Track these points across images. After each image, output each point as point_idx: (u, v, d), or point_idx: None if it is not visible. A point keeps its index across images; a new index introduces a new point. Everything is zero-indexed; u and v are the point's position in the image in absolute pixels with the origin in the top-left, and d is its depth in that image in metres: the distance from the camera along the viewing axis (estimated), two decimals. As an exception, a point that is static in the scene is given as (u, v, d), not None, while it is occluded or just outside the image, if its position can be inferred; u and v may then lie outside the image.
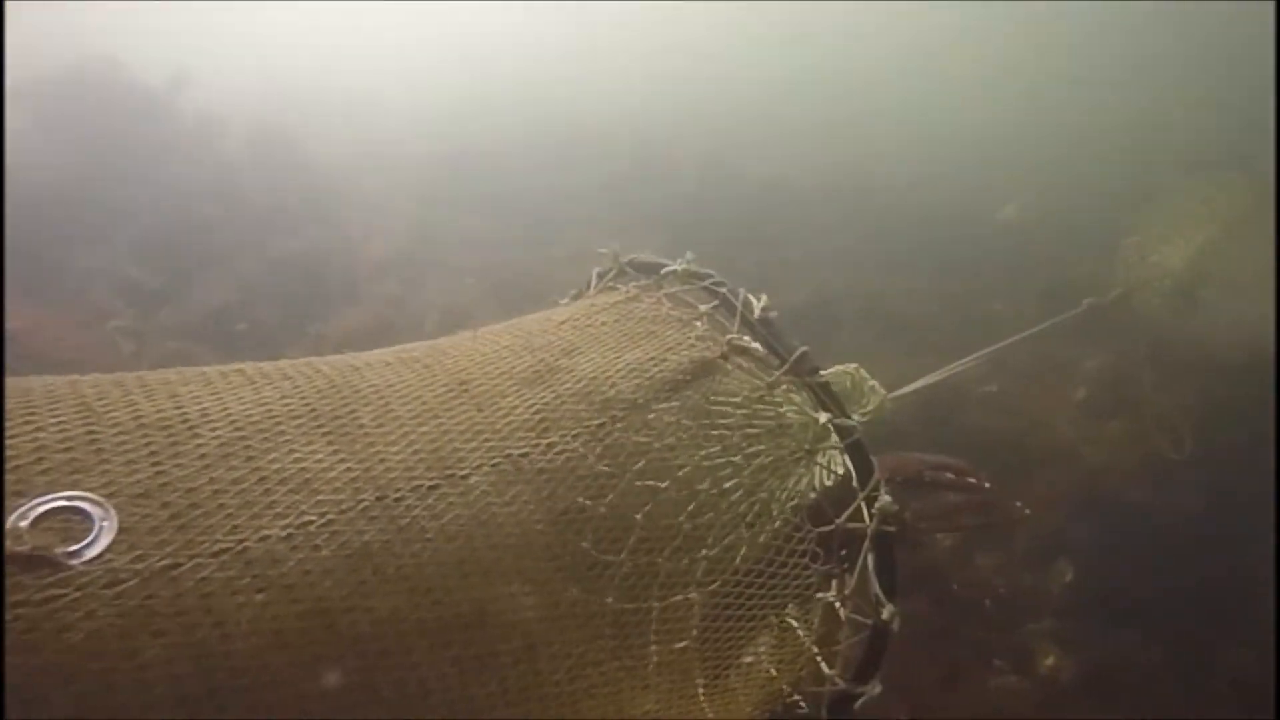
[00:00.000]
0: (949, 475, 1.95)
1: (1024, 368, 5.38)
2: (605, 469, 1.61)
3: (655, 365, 1.82)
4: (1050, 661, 3.68)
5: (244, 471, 1.30)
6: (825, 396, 1.85)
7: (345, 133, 8.89)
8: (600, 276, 2.42)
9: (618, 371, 1.77)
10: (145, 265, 5.42)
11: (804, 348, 1.89)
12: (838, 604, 1.83)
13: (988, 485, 1.94)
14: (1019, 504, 2.06)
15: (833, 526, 1.78)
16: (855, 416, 2.79)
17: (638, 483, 1.63)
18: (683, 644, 1.69)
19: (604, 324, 1.98)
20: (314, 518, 1.28)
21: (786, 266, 7.12)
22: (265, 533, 1.22)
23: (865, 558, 1.81)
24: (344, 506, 1.32)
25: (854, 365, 2.86)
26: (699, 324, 1.98)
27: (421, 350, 1.83)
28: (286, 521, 1.26)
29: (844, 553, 1.85)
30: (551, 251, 6.34)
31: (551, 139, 9.73)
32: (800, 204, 8.12)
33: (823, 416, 1.81)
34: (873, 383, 2.85)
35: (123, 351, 4.09)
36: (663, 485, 1.65)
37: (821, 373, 2.83)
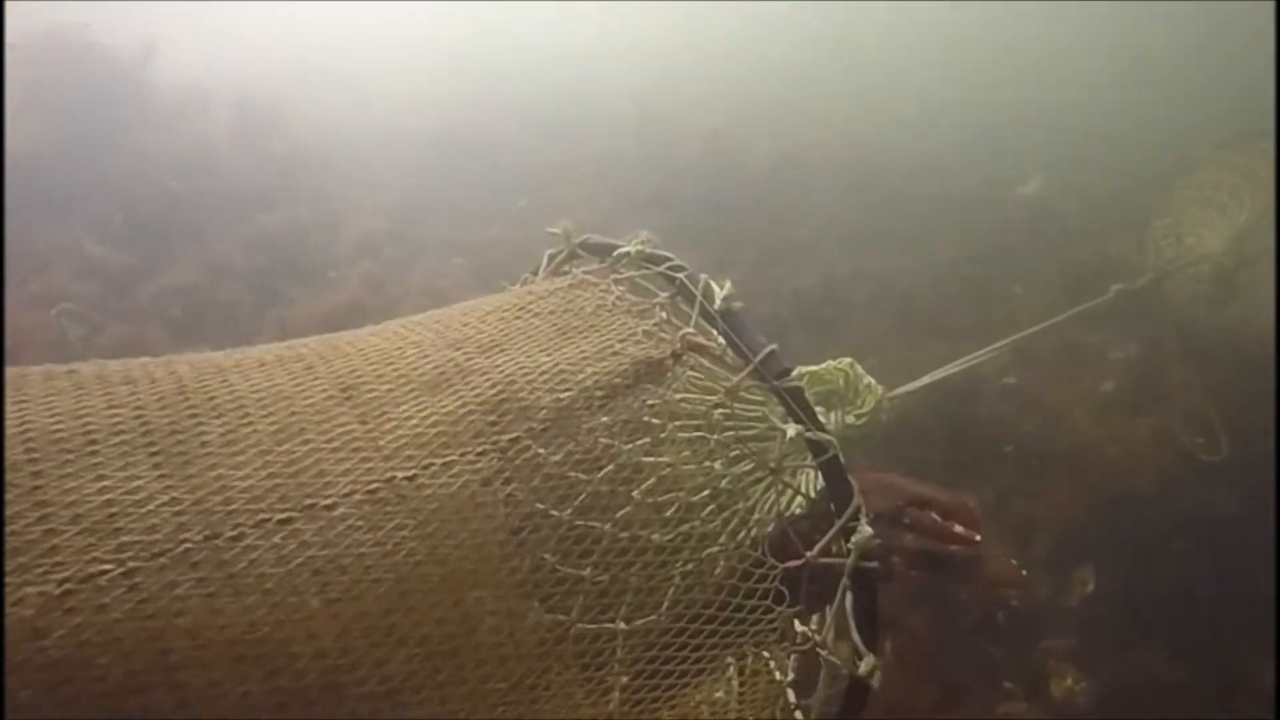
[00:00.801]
0: (933, 516, 1.65)
1: (1046, 358, 5.05)
2: (515, 497, 1.34)
3: (591, 366, 1.53)
4: (1067, 684, 3.39)
5: (22, 506, 1.03)
6: (796, 405, 1.55)
7: (336, 108, 8.61)
8: (551, 259, 2.14)
9: (543, 374, 1.49)
10: (110, 243, 5.19)
11: (772, 346, 1.60)
12: (819, 649, 1.55)
13: (978, 538, 1.63)
14: (1014, 562, 1.76)
15: (802, 561, 1.50)
16: (850, 419, 2.52)
17: (553, 513, 1.35)
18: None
19: (538, 315, 1.69)
20: (109, 566, 1.01)
21: (793, 247, 6.79)
22: (29, 590, 0.95)
23: (842, 598, 1.52)
24: (156, 549, 1.06)
25: (848, 360, 2.56)
26: (650, 316, 1.70)
27: (312, 347, 1.56)
28: (67, 573, 0.99)
29: (816, 589, 1.57)
30: (546, 230, 6.03)
31: (551, 115, 9.41)
32: (809, 182, 7.76)
33: (791, 429, 1.52)
34: (869, 380, 2.55)
35: (69, 336, 3.87)
36: (588, 521, 1.37)
37: (807, 370, 2.55)
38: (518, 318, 1.68)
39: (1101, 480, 4.21)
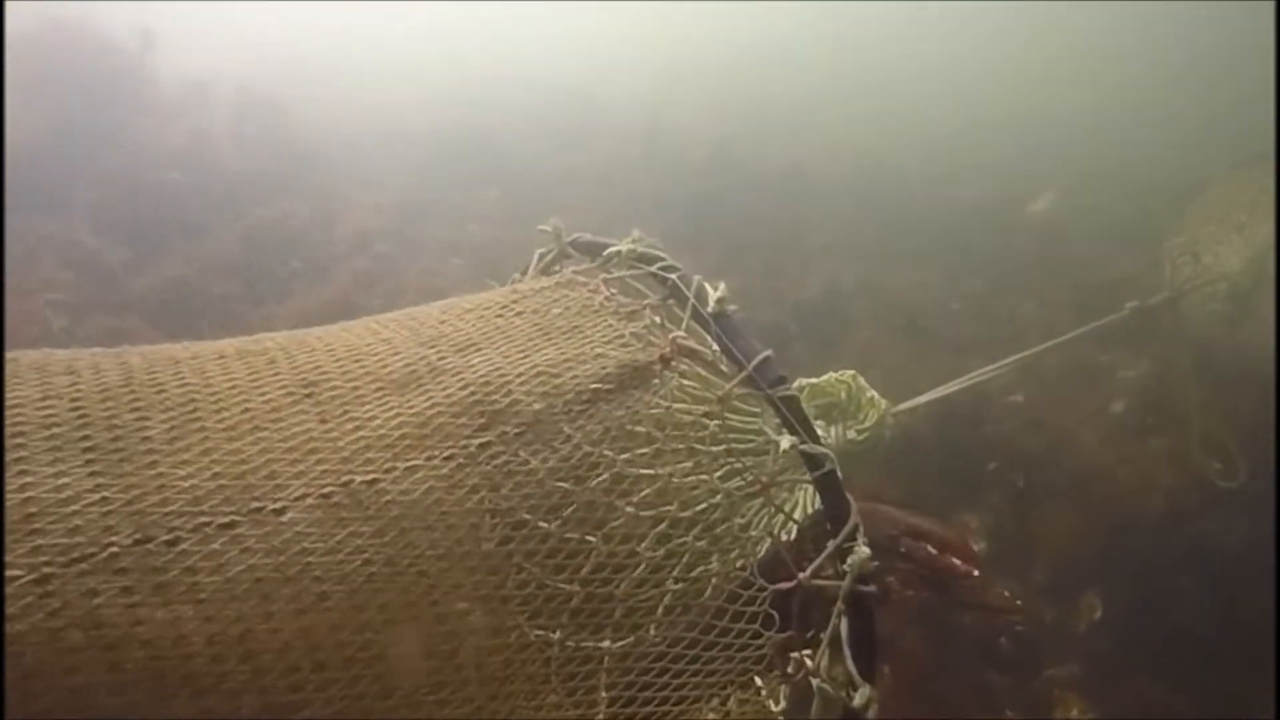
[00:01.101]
0: (928, 548, 1.55)
1: (1054, 376, 4.94)
2: (486, 505, 1.24)
3: (573, 370, 1.44)
4: (1071, 714, 3.27)
5: (-70, 504, 0.94)
6: (792, 415, 1.46)
7: (341, 105, 8.57)
8: (541, 258, 2.06)
9: (521, 376, 1.40)
10: (105, 235, 5.13)
11: (766, 352, 1.50)
12: (811, 678, 1.45)
13: (976, 573, 1.53)
14: (1007, 593, 1.68)
15: (794, 583, 1.40)
16: (851, 433, 2.42)
17: (527, 524, 1.26)
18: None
19: (520, 314, 1.60)
20: (19, 571, 0.92)
21: (798, 257, 6.70)
22: (-74, 598, 0.86)
23: (837, 623, 1.42)
24: (77, 554, 0.96)
25: (850, 372, 2.47)
26: (639, 319, 1.60)
27: (278, 340, 1.47)
28: (-29, 579, 0.90)
29: (809, 613, 1.47)
30: (538, 229, 5.95)
31: (560, 118, 9.36)
32: (817, 193, 7.68)
33: (785, 441, 1.42)
34: (872, 393, 2.45)
35: (52, 327, 3.79)
36: (565, 533, 1.28)
37: (809, 381, 2.45)
38: (498, 316, 1.59)
39: (1110, 504, 4.10)
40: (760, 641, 1.40)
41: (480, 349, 1.48)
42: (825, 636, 1.44)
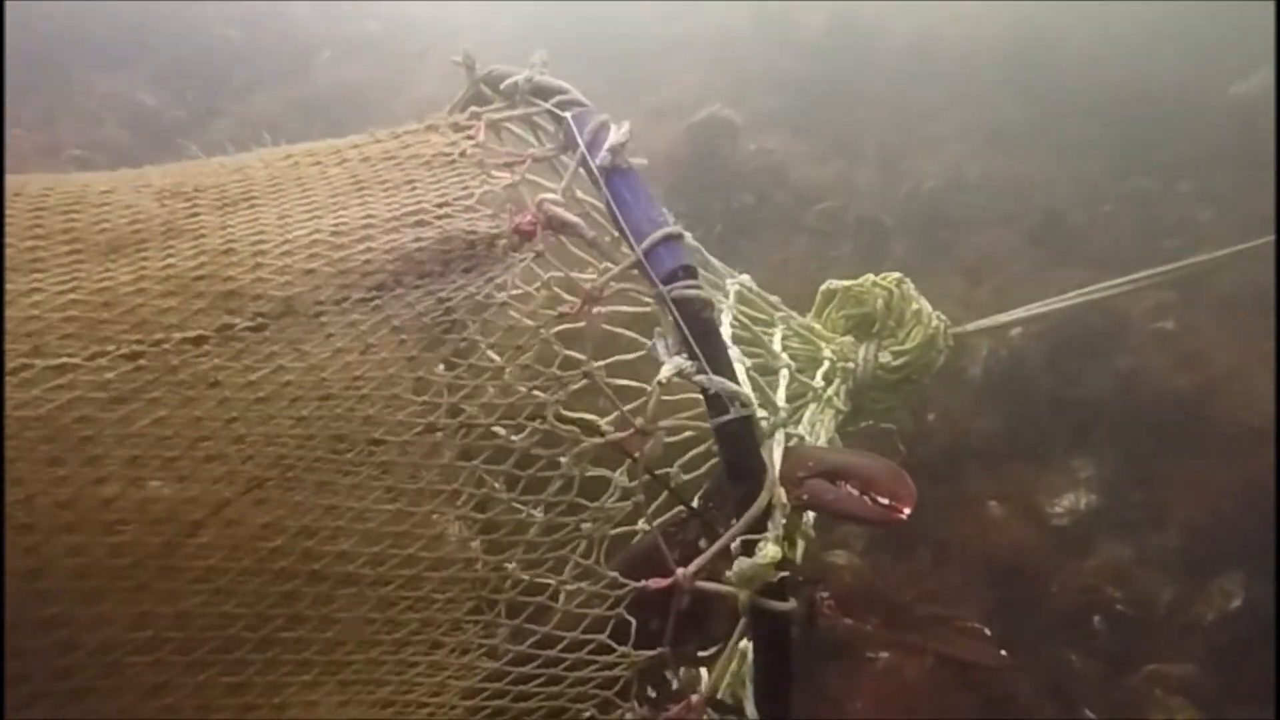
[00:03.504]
0: (847, 489, 1.06)
1: (1221, 299, 4.01)
2: (164, 430, 0.85)
3: (371, 239, 0.99)
4: (1175, 722, 2.68)
5: None
6: (692, 326, 0.96)
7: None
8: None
9: (284, 244, 0.97)
10: (166, 95, 5.04)
11: (670, 228, 0.99)
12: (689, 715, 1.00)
13: (906, 513, 1.05)
14: (988, 631, 1.22)
15: (668, 582, 0.94)
16: (885, 356, 1.87)
17: (226, 472, 0.85)
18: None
19: (344, 161, 1.16)
20: None
21: (919, 144, 5.80)
22: None
23: (734, 646, 0.97)
24: None
25: (895, 276, 1.89)
26: (512, 173, 1.12)
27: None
28: None
29: (706, 628, 1.02)
30: (640, 107, 5.38)
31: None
32: (952, 70, 6.59)
33: (669, 366, 0.92)
34: (920, 305, 1.87)
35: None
36: (295, 494, 0.87)
37: (840, 284, 1.89)
38: (315, 164, 1.16)
39: (1274, 466, 3.29)
40: (612, 659, 0.96)
41: (256, 204, 1.05)
42: (720, 660, 0.98)
